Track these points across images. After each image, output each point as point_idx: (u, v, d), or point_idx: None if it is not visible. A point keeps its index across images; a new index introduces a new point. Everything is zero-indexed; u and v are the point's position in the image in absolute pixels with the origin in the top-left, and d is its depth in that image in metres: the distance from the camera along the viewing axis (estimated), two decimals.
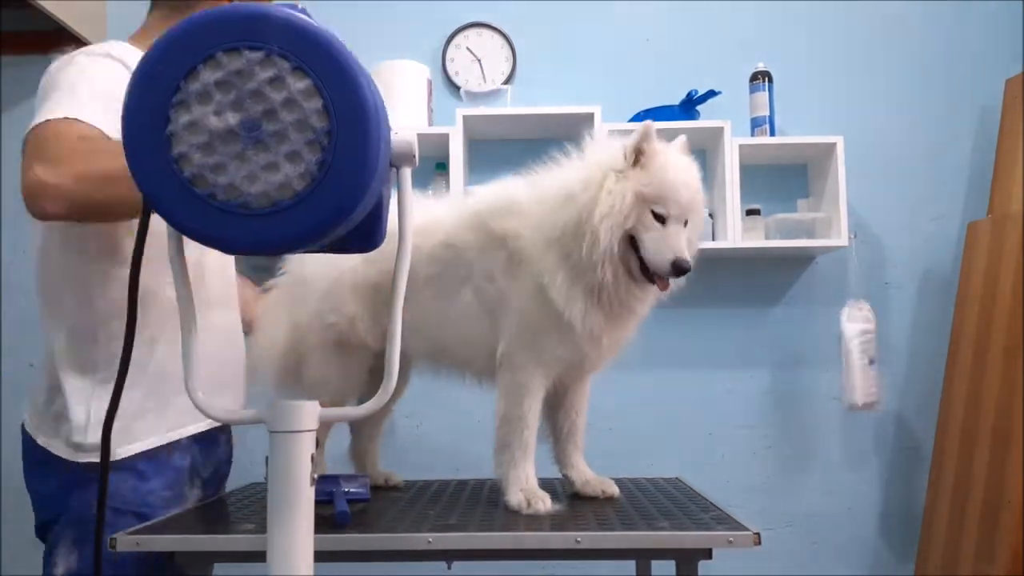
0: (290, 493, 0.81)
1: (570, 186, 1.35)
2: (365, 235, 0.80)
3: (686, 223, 1.35)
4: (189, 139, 0.65)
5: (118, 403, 0.85)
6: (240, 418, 0.87)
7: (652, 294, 1.40)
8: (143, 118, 0.65)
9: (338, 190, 0.65)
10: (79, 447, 1.30)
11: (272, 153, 0.65)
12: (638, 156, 1.33)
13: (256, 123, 0.65)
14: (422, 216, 1.49)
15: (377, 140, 0.67)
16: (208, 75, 0.65)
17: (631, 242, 1.33)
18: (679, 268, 1.31)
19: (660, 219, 1.32)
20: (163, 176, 0.65)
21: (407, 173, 0.83)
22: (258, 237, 0.66)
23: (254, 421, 0.84)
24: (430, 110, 2.55)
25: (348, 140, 0.65)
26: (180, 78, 0.65)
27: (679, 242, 1.32)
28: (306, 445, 0.82)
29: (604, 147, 1.39)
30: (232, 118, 0.65)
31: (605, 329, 1.38)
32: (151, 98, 0.65)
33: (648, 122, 1.34)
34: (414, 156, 0.81)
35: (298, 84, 0.65)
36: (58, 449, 1.32)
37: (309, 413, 0.83)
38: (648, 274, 1.34)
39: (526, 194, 1.41)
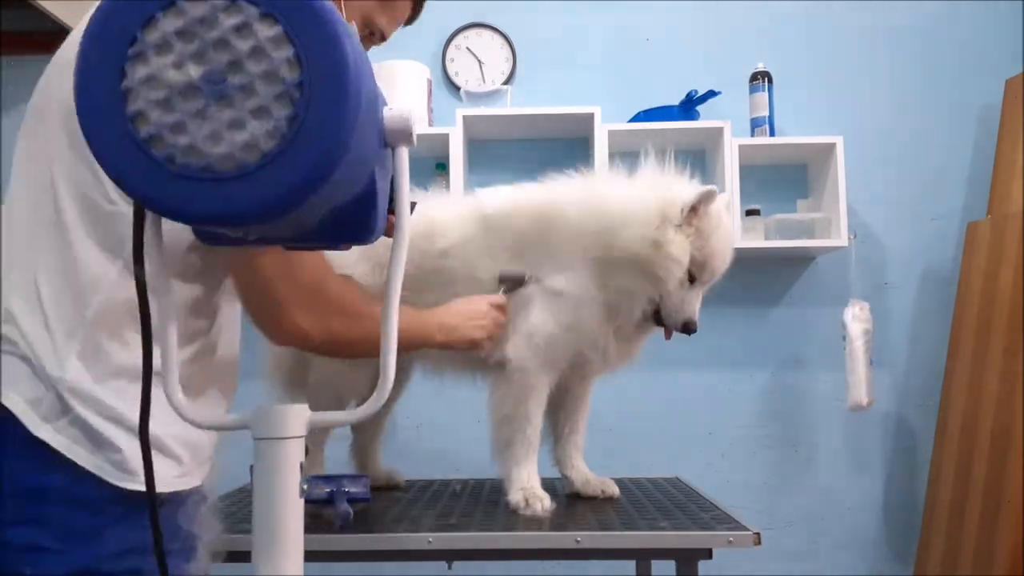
0: (277, 506, 0.73)
1: (627, 211, 1.38)
2: (357, 224, 0.72)
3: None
4: (147, 95, 0.58)
5: (148, 412, 0.75)
6: (222, 423, 0.80)
7: (653, 330, 1.48)
8: (97, 73, 0.59)
9: (311, 150, 0.58)
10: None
11: (237, 109, 0.58)
12: (692, 214, 1.36)
13: (220, 76, 0.58)
14: (431, 217, 1.51)
15: (357, 95, 0.60)
16: (168, 23, 0.59)
17: None
18: (687, 329, 1.41)
19: (691, 278, 1.38)
20: (118, 137, 0.58)
21: (404, 153, 0.74)
22: (222, 206, 0.58)
23: (237, 427, 0.77)
24: (430, 110, 2.55)
25: (322, 93, 0.58)
26: (138, 27, 0.58)
27: (694, 305, 1.40)
28: (294, 452, 0.75)
29: (655, 182, 1.42)
30: (194, 71, 0.58)
31: (612, 343, 1.42)
32: (106, 50, 0.59)
33: (714, 188, 1.37)
34: (410, 133, 0.71)
35: (267, 31, 0.58)
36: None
37: (297, 418, 0.75)
38: (659, 319, 1.42)
39: (561, 197, 1.43)
